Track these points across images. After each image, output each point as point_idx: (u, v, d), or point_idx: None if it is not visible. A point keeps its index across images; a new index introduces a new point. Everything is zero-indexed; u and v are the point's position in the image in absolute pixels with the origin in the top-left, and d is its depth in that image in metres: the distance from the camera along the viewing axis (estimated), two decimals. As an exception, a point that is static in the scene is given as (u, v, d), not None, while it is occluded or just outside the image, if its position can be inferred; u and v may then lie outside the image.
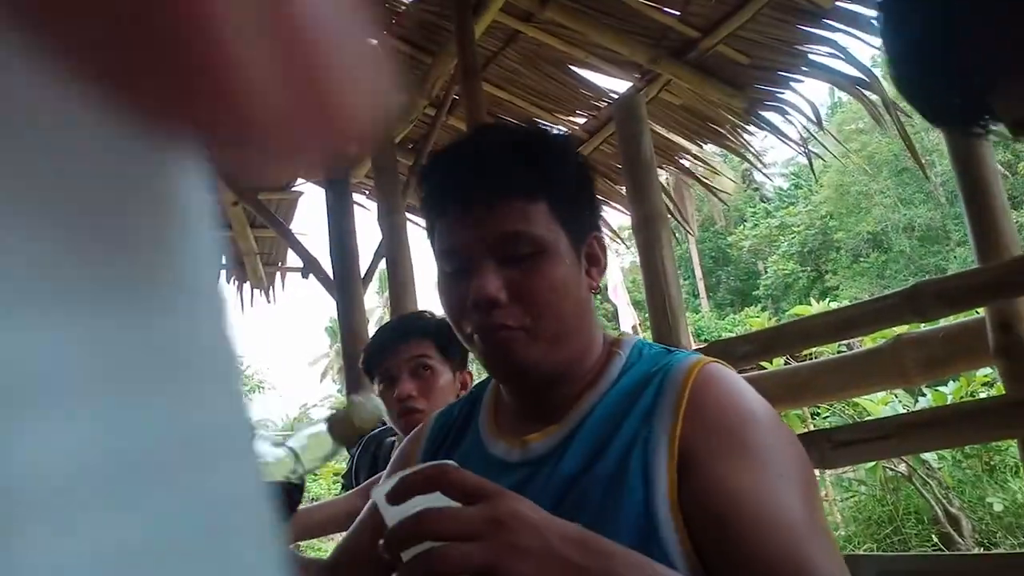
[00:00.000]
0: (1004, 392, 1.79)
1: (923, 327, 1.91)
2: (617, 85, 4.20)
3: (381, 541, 0.64)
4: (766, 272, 21.20)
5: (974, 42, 0.51)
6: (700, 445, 0.78)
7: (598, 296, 1.04)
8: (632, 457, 0.80)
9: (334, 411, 0.98)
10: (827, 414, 5.71)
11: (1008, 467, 6.08)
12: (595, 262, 0.93)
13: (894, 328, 2.14)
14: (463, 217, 0.88)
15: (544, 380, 0.89)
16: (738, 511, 0.72)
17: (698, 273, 22.09)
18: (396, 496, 0.66)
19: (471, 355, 1.75)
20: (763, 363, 3.96)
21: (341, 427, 0.99)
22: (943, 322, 2.05)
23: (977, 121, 0.55)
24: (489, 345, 0.87)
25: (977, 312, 1.84)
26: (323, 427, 0.98)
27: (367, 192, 4.76)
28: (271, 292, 5.28)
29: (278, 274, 5.34)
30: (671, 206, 4.01)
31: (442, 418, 1.07)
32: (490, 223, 0.87)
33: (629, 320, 11.97)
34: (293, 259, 5.10)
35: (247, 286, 5.29)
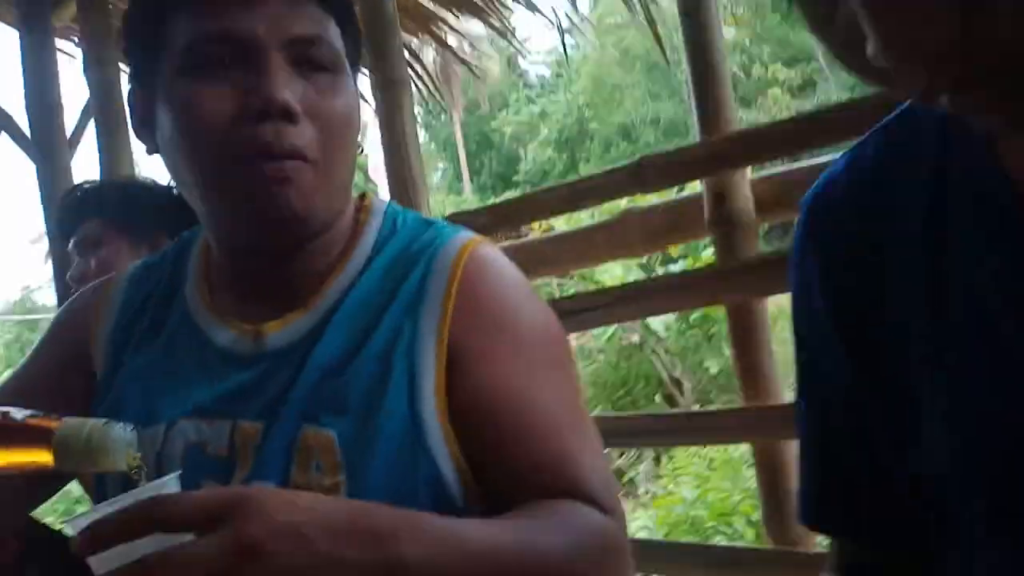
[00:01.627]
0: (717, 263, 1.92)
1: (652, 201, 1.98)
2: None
3: None
4: (526, 158, 21.80)
5: None
6: (469, 340, 0.71)
7: (360, 175, 0.88)
8: (396, 352, 0.70)
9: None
10: (571, 289, 6.04)
11: (723, 335, 6.86)
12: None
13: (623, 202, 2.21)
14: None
15: (306, 237, 0.73)
16: (506, 412, 0.69)
17: (462, 156, 22.23)
18: (93, 547, 0.49)
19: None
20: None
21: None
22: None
23: None
24: (271, 173, 0.68)
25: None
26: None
27: (75, 39, 4.08)
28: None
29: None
30: (423, 74, 3.86)
31: (137, 282, 0.83)
32: (288, 17, 0.69)
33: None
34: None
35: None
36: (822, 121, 1.69)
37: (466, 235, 0.78)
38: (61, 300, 3.46)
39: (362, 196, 0.82)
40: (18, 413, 0.55)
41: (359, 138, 0.78)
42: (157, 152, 0.76)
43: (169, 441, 0.73)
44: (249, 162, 0.68)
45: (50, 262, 3.48)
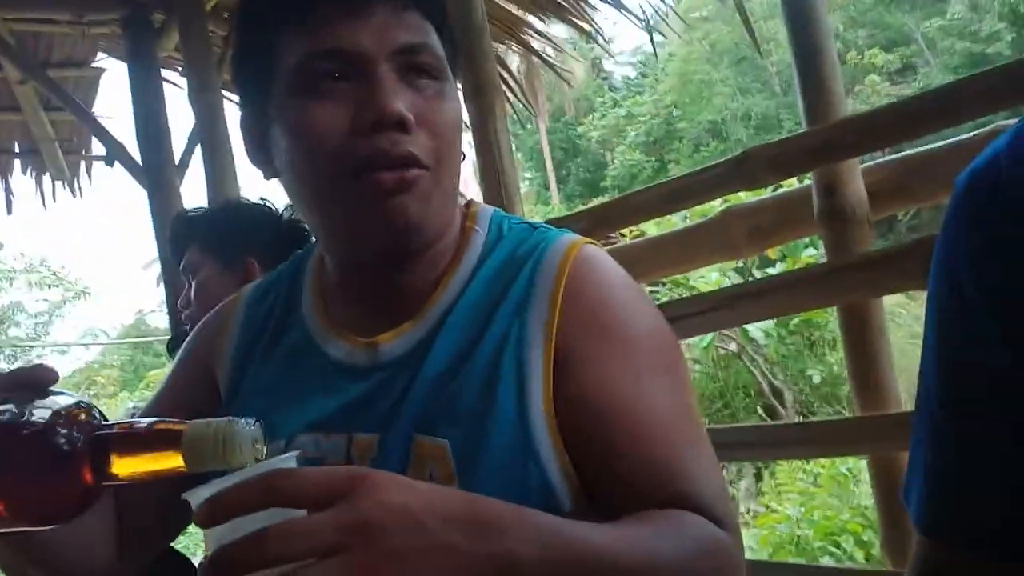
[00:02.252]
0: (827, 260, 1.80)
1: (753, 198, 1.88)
2: (453, -49, 3.90)
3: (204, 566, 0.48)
4: (613, 163, 21.62)
5: None
6: (578, 343, 0.69)
7: None
8: (504, 357, 0.70)
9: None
10: (665, 296, 5.91)
11: (826, 342, 6.59)
12: None
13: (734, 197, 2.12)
14: (356, 13, 0.69)
15: (421, 246, 0.73)
16: (614, 418, 0.67)
17: (549, 165, 22.22)
18: (212, 519, 0.50)
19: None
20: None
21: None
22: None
23: None
24: (390, 183, 0.68)
25: (807, 180, 1.83)
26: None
27: (179, 68, 4.26)
28: (76, 184, 4.73)
29: (83, 164, 4.77)
30: (511, 82, 3.84)
31: (256, 303, 0.86)
32: (393, 26, 0.70)
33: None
34: (99, 147, 4.55)
35: (47, 178, 4.70)
36: (941, 101, 1.56)
37: (572, 236, 0.76)
38: (173, 324, 3.60)
39: (468, 204, 0.82)
40: (142, 422, 0.56)
41: (461, 143, 0.76)
42: (275, 177, 0.77)
43: None
44: (366, 172, 0.69)
45: (162, 286, 3.63)
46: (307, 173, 0.72)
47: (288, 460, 0.54)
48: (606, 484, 0.67)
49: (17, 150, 4.69)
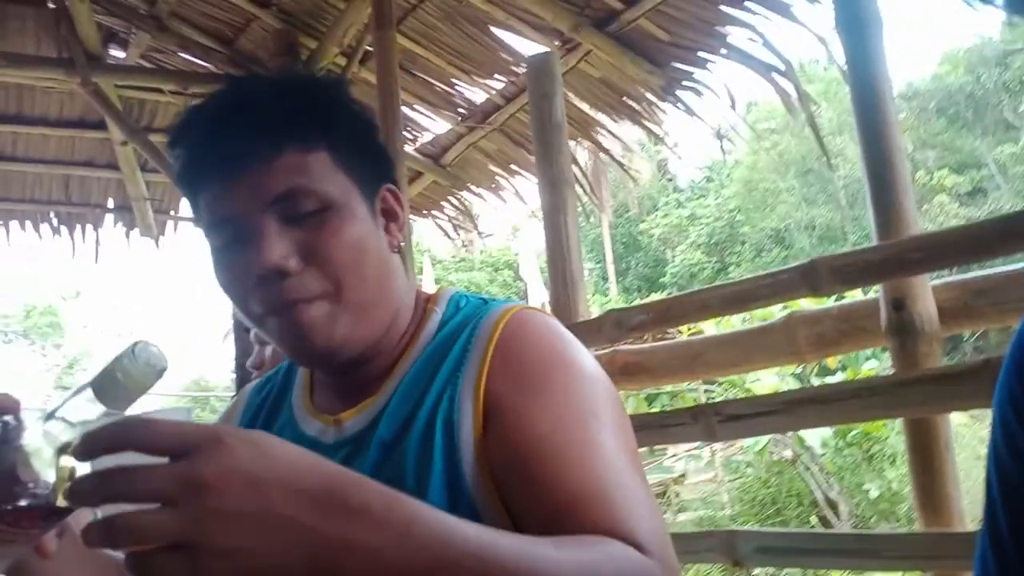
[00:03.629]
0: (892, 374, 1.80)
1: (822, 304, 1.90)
2: (538, 51, 4.11)
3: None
4: (673, 260, 21.67)
5: None
6: (504, 390, 0.72)
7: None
8: (438, 417, 0.74)
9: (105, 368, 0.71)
10: (721, 397, 5.83)
11: (886, 456, 6.37)
12: (393, 217, 0.83)
13: (793, 303, 2.14)
14: (231, 179, 0.75)
15: (352, 361, 0.79)
16: (541, 451, 0.68)
17: (609, 257, 22.37)
18: (83, 454, 0.51)
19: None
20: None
21: (109, 386, 0.72)
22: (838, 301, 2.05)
23: None
24: (286, 325, 0.75)
25: (874, 292, 1.85)
26: (89, 390, 0.71)
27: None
28: (159, 240, 4.99)
29: (170, 223, 5.05)
30: (580, 177, 3.95)
31: (257, 392, 0.95)
32: (264, 181, 0.75)
33: (540, 299, 12.06)
34: (188, 208, 4.82)
35: (135, 233, 4.98)
36: (1015, 226, 1.58)
37: (512, 303, 0.81)
38: (239, 382, 3.72)
39: (439, 290, 0.87)
40: None
41: (391, 244, 0.82)
42: None
43: None
44: (266, 322, 0.77)
45: (230, 344, 3.76)
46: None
47: (178, 412, 0.56)
48: (535, 522, 0.66)
49: (111, 205, 4.99)
